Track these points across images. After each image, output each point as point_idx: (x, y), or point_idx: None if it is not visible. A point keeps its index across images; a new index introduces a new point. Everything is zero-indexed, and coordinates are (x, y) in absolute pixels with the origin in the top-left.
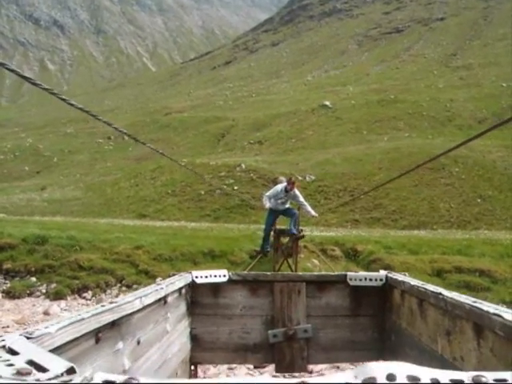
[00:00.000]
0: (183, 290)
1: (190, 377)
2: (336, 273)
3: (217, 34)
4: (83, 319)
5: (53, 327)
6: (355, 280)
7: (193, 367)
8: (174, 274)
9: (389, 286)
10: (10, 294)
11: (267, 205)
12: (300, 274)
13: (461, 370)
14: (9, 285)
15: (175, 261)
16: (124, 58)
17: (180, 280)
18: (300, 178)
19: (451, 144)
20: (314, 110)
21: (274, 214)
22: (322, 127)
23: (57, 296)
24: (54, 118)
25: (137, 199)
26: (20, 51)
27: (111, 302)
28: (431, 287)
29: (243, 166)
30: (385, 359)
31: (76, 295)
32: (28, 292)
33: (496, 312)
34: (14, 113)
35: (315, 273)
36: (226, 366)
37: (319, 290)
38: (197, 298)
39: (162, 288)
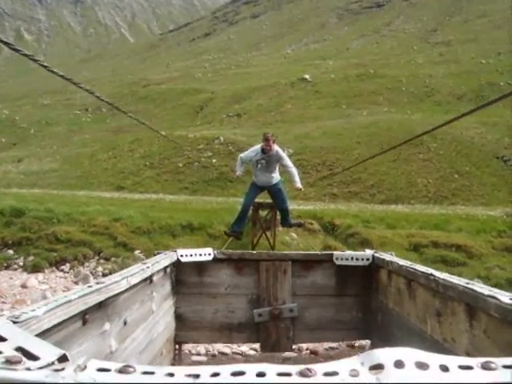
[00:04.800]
0: (168, 269)
1: (174, 356)
2: (322, 252)
3: (196, 5)
4: (70, 301)
5: (40, 310)
6: (341, 259)
7: (177, 346)
8: (158, 252)
9: (375, 265)
10: None
11: (238, 171)
12: (286, 252)
13: (451, 351)
14: None
15: (153, 234)
16: (102, 29)
17: (165, 259)
18: None
19: (430, 120)
20: (294, 83)
21: (256, 189)
22: (302, 101)
23: (34, 269)
24: (31, 90)
25: (115, 171)
26: None
27: (98, 283)
28: (421, 268)
29: (222, 138)
30: (372, 339)
31: (54, 268)
32: (5, 265)
33: (491, 294)
34: None
35: (301, 252)
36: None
37: (305, 269)
38: (182, 276)
39: (148, 267)
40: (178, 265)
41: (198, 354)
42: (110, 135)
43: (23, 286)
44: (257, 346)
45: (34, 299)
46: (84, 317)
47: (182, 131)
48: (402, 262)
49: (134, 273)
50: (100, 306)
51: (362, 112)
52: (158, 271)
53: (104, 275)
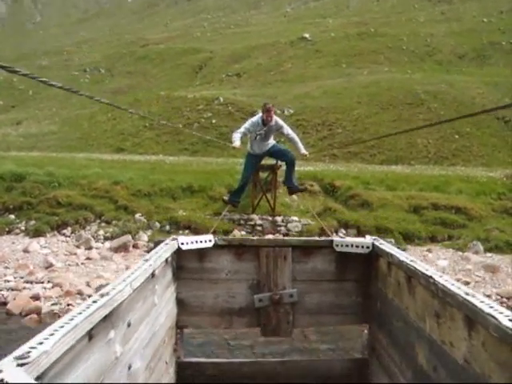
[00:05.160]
0: (169, 258)
1: (176, 341)
2: (322, 238)
3: None
4: (77, 325)
5: (48, 342)
6: (341, 246)
7: (178, 331)
8: (158, 241)
9: (375, 254)
10: None
11: (236, 141)
12: (286, 238)
13: (450, 355)
14: None
15: (154, 196)
16: None
17: (166, 250)
18: (279, 111)
19: (431, 79)
20: (293, 42)
21: (254, 159)
22: (301, 60)
23: (36, 233)
24: (29, 51)
25: (114, 133)
26: None
27: (102, 295)
28: (420, 266)
29: (221, 99)
30: (370, 326)
31: (55, 232)
32: (7, 230)
33: (490, 312)
34: None
35: (301, 238)
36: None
37: (305, 255)
38: (182, 263)
39: (150, 265)
40: (178, 252)
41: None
42: (109, 96)
43: (25, 251)
44: (257, 330)
45: (36, 264)
46: (90, 333)
47: (181, 91)
48: (402, 256)
49: (137, 276)
50: (105, 318)
51: (363, 71)
52: (160, 264)
53: (106, 238)
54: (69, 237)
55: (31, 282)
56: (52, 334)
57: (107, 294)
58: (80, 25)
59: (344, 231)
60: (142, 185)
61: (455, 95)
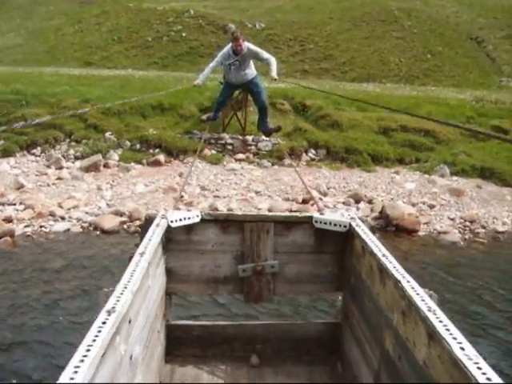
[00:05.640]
0: (161, 238)
1: (165, 308)
2: (303, 214)
3: None
4: (94, 357)
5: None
6: (320, 223)
7: (167, 297)
8: (148, 218)
9: (351, 234)
10: None
11: (199, 80)
12: (269, 214)
13: (412, 354)
14: None
15: (124, 115)
16: None
17: (158, 234)
18: (250, 25)
19: None
20: None
21: (231, 87)
22: None
23: (5, 153)
24: None
25: (82, 46)
26: None
27: (109, 312)
28: (391, 265)
29: (191, 11)
30: (344, 295)
31: (25, 151)
32: None
33: (445, 337)
34: None
35: (283, 214)
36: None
37: (286, 229)
38: (171, 237)
39: (146, 260)
40: (168, 229)
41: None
42: (76, 7)
43: None
44: (241, 296)
45: (6, 184)
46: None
47: (150, 3)
48: (374, 247)
49: (135, 280)
50: (114, 333)
51: None
52: (153, 249)
53: (76, 158)
54: (39, 156)
55: (3, 204)
56: (75, 371)
57: (113, 310)
58: None
59: (313, 151)
60: (112, 103)
61: (430, 13)
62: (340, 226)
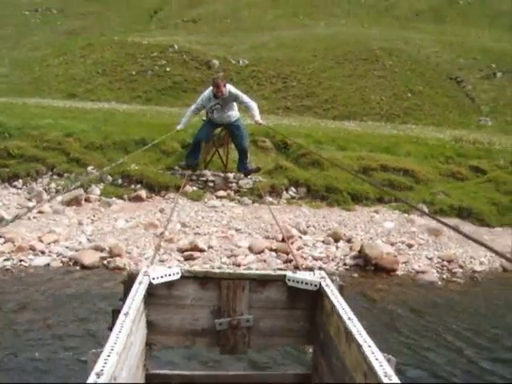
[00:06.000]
0: (143, 296)
1: (146, 358)
2: (276, 273)
3: None
4: None
5: None
6: (293, 281)
7: (148, 348)
8: (130, 274)
9: (321, 293)
10: None
11: (181, 124)
12: (244, 272)
13: None
14: None
15: (107, 149)
16: None
17: (141, 292)
18: (233, 61)
19: (387, 35)
20: None
21: (212, 125)
22: (259, 8)
23: None
24: None
25: (66, 78)
26: None
27: (98, 375)
28: (356, 331)
29: (176, 46)
30: (314, 348)
31: (6, 184)
32: None
33: None
34: None
35: (258, 271)
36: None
37: (261, 286)
38: (153, 292)
39: (130, 320)
40: (150, 286)
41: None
42: (62, 38)
43: None
44: (217, 349)
45: None
46: None
47: (135, 37)
48: (341, 310)
49: (121, 341)
50: None
51: (320, 23)
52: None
53: (57, 191)
54: (20, 189)
55: None
56: None
57: (102, 372)
58: None
59: (294, 189)
60: (95, 137)
61: (410, 53)
62: (311, 284)
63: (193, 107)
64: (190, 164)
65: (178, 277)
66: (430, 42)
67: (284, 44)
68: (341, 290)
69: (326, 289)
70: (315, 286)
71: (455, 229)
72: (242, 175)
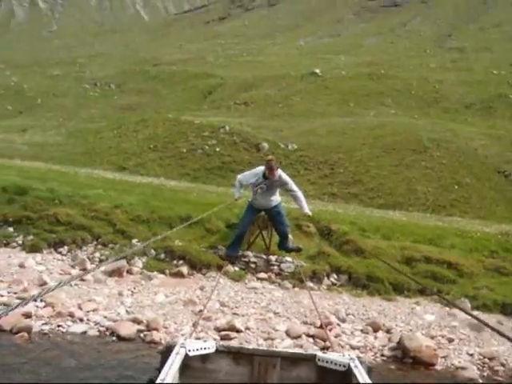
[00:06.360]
0: (179, 366)
1: None
2: (307, 352)
3: None
4: None
5: None
6: (322, 361)
7: None
8: (167, 346)
9: (350, 373)
10: None
11: (237, 194)
12: (276, 350)
13: None
14: None
15: (152, 223)
16: (117, 4)
17: (177, 362)
18: (283, 145)
19: (436, 126)
20: (304, 76)
21: (253, 212)
22: (310, 95)
23: (33, 248)
24: (42, 59)
25: (118, 151)
26: None
27: None
28: None
29: (227, 127)
30: None
31: (52, 249)
32: (4, 242)
33: None
34: (0, 49)
35: (289, 350)
36: None
37: (292, 365)
38: (188, 363)
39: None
40: (186, 356)
41: None
42: (117, 112)
43: (21, 266)
44: None
45: (30, 280)
46: None
47: (188, 115)
48: None
49: None
50: None
51: (370, 112)
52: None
53: (101, 261)
54: (65, 255)
55: (24, 299)
56: None
57: None
58: (95, 38)
59: (335, 276)
60: (142, 211)
61: (459, 145)
62: (340, 365)
63: (240, 178)
64: (231, 255)
65: (212, 350)
66: (478, 135)
67: (333, 131)
68: (369, 372)
69: (354, 370)
70: (344, 366)
71: (494, 328)
72: (284, 258)
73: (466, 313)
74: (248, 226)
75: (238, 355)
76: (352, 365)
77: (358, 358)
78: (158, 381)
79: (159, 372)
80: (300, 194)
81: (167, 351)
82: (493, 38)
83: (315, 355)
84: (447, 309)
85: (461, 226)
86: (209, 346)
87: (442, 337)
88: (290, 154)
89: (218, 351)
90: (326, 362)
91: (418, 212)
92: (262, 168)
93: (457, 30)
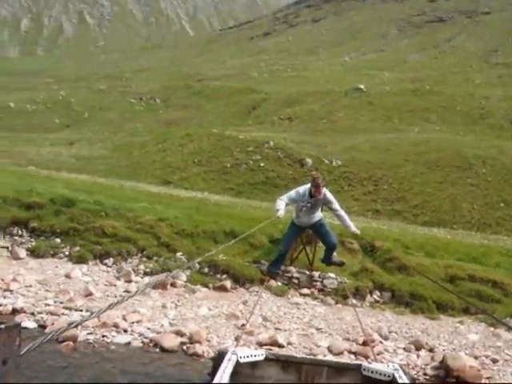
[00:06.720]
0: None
1: None
2: (352, 362)
3: (258, 4)
4: None
5: None
6: (367, 371)
7: None
8: (219, 352)
9: (395, 383)
10: (35, 253)
11: (280, 211)
12: (323, 359)
13: None
14: (34, 243)
15: (196, 237)
16: (163, 19)
17: (229, 368)
18: (326, 161)
19: (481, 143)
20: (348, 92)
21: (297, 230)
22: (354, 111)
23: (79, 260)
24: (89, 73)
25: (163, 165)
26: (61, 2)
27: None
28: None
29: (271, 143)
30: None
31: (98, 261)
32: (52, 253)
33: None
34: (48, 63)
35: (335, 360)
36: None
37: (338, 374)
38: (238, 369)
39: None
40: (237, 363)
41: None
42: (162, 126)
43: (67, 276)
44: None
45: (76, 290)
46: None
47: (232, 130)
48: None
49: None
50: None
51: (414, 128)
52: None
53: (145, 273)
54: (110, 267)
55: (70, 309)
56: None
57: None
58: (141, 53)
59: (378, 293)
60: (186, 224)
61: (505, 162)
62: (385, 375)
63: (286, 197)
64: (273, 272)
65: (262, 358)
66: None
67: (377, 147)
68: (413, 383)
69: (399, 380)
70: (389, 376)
71: None
72: (327, 274)
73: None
74: (291, 245)
75: (287, 363)
76: (396, 375)
77: (402, 368)
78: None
79: (212, 377)
80: (343, 213)
81: (219, 357)
82: None
83: (360, 365)
84: (492, 329)
85: (506, 245)
86: (258, 353)
87: (486, 357)
88: (334, 169)
89: (267, 359)
90: (371, 371)
91: (462, 230)
92: (306, 186)
93: (503, 45)
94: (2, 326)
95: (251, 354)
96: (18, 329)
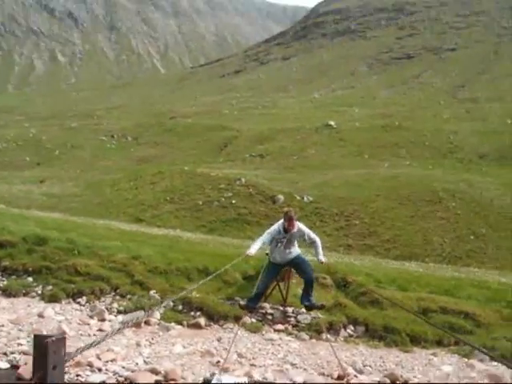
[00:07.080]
0: None
1: None
2: None
3: (229, 42)
4: None
5: None
6: None
7: None
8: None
9: None
10: (7, 292)
11: (251, 250)
12: None
13: None
14: (5, 282)
15: (170, 275)
16: (135, 57)
17: None
18: (298, 197)
19: (450, 177)
20: (318, 128)
21: (274, 268)
22: (325, 147)
23: (52, 298)
24: (60, 111)
25: (135, 202)
26: (32, 40)
27: None
28: None
29: (243, 180)
30: None
31: (71, 299)
32: (24, 292)
33: None
34: (19, 101)
35: None
36: None
37: None
38: None
39: None
40: None
41: None
42: (133, 164)
43: (40, 315)
44: None
45: (49, 330)
46: None
47: (204, 167)
48: None
49: None
50: None
51: (384, 163)
52: None
53: (119, 312)
54: (83, 306)
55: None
56: None
57: None
58: (112, 91)
59: (352, 327)
60: (160, 262)
61: (473, 195)
62: None
63: (263, 237)
64: (250, 307)
65: None
66: (493, 185)
67: (348, 182)
68: None
69: None
70: None
71: None
72: (301, 310)
73: (491, 357)
74: (269, 284)
75: None
76: None
77: None
78: None
79: None
80: (318, 241)
81: None
82: (506, 88)
83: None
84: (465, 360)
85: (477, 277)
86: (241, 381)
87: None
88: (306, 205)
89: None
90: None
91: (434, 263)
92: (279, 223)
93: (469, 80)
94: (54, 338)
95: (234, 381)
96: (64, 340)
